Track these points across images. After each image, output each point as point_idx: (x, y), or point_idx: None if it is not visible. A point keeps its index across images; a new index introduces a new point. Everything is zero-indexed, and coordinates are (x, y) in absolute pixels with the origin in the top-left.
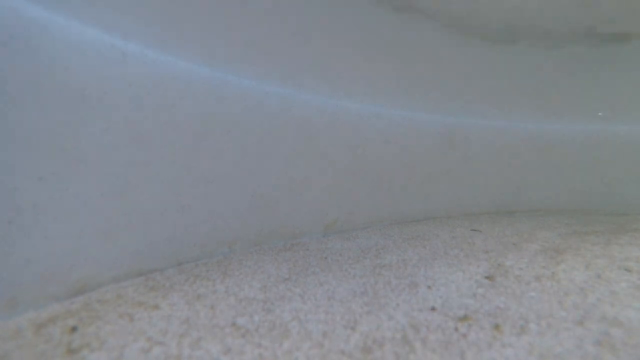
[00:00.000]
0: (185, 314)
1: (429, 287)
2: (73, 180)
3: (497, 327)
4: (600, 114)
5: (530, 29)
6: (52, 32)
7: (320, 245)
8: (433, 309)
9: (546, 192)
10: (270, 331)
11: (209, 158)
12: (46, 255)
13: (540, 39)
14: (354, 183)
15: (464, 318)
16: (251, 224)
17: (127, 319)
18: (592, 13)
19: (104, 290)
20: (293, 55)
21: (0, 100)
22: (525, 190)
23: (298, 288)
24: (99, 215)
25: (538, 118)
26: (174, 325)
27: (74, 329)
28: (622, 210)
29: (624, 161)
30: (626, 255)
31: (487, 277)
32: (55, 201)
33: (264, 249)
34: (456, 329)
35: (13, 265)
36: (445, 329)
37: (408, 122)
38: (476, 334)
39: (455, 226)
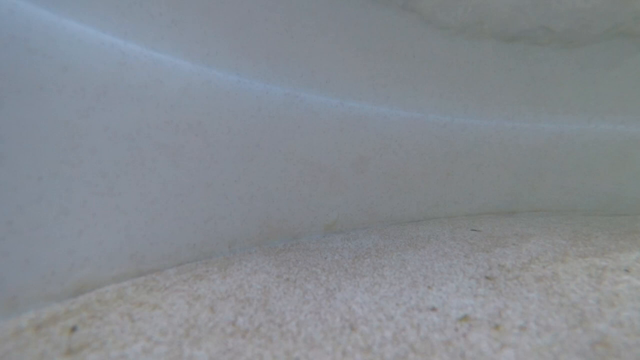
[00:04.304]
0: (185, 314)
1: (429, 287)
2: (73, 180)
3: (497, 327)
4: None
5: (532, 28)
6: (52, 32)
7: (320, 245)
8: (433, 309)
9: (546, 192)
10: (270, 331)
11: (206, 158)
12: (46, 255)
13: (540, 38)
14: (354, 183)
15: (464, 318)
16: (251, 224)
17: (127, 319)
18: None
19: (104, 290)
20: (295, 57)
21: (0, 99)
22: (526, 191)
23: (298, 288)
24: (98, 215)
25: (538, 117)
26: (174, 326)
27: (74, 329)
28: (623, 210)
29: (625, 161)
30: (626, 256)
31: (487, 278)
32: (55, 201)
33: (264, 249)
34: (456, 329)
35: (13, 265)
36: (445, 329)
37: (407, 122)
38: (476, 334)
39: (455, 226)
